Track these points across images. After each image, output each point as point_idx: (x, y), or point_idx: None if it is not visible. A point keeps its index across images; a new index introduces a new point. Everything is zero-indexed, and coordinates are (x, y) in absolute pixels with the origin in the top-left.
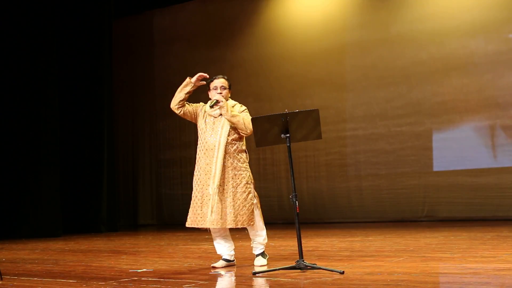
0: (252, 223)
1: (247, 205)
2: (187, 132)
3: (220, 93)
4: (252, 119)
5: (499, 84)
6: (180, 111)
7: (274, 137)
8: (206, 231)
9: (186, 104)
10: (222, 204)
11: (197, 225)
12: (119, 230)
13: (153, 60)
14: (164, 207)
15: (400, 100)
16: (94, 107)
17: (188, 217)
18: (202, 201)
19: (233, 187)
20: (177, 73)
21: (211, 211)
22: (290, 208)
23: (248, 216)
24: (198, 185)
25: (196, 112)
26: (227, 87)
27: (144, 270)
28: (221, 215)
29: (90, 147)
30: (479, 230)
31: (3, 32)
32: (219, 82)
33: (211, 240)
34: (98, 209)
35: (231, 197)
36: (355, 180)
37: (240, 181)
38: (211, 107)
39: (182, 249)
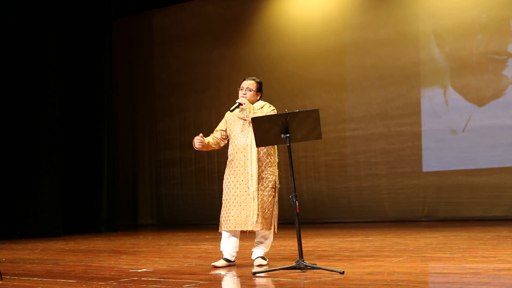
0: (273, 227)
1: (271, 209)
2: (187, 132)
3: (245, 94)
4: (252, 119)
5: (499, 83)
6: (225, 142)
7: (274, 137)
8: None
9: (218, 135)
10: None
11: (240, 228)
12: (119, 230)
13: (153, 60)
14: (164, 207)
15: (400, 100)
16: (94, 107)
17: (222, 220)
18: (240, 204)
19: (261, 190)
20: (177, 73)
21: (253, 214)
22: (290, 208)
23: (272, 220)
24: (230, 188)
25: (226, 128)
26: (254, 89)
27: (144, 270)
28: (259, 218)
29: (90, 147)
30: (479, 230)
31: (3, 32)
32: (245, 83)
33: (211, 240)
34: (98, 209)
35: (259, 199)
36: (355, 180)
37: (267, 184)
38: (232, 110)
39: (182, 249)
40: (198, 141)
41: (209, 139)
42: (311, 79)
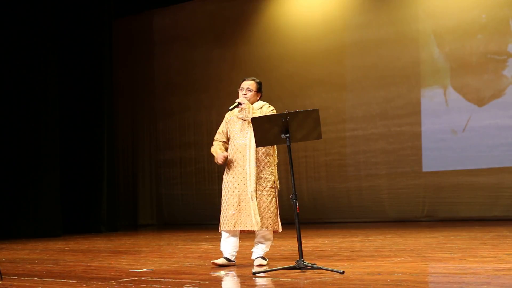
0: (276, 226)
1: (272, 209)
2: (187, 132)
3: (245, 95)
4: (252, 119)
5: (499, 83)
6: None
7: (274, 137)
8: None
9: (224, 138)
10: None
11: (239, 227)
12: (119, 230)
13: (153, 60)
14: (164, 207)
15: (400, 100)
16: (94, 107)
17: (221, 220)
18: (239, 203)
19: (259, 190)
20: (177, 73)
21: (254, 214)
22: (290, 208)
23: (272, 219)
24: (228, 188)
25: (227, 129)
26: (254, 89)
27: (144, 270)
28: (260, 218)
29: (90, 147)
30: (479, 230)
31: (3, 32)
32: (245, 84)
33: (211, 240)
34: (98, 209)
35: (257, 199)
36: (355, 180)
37: (265, 184)
38: (231, 109)
39: (182, 249)
40: (223, 159)
41: (222, 148)
42: (311, 79)
